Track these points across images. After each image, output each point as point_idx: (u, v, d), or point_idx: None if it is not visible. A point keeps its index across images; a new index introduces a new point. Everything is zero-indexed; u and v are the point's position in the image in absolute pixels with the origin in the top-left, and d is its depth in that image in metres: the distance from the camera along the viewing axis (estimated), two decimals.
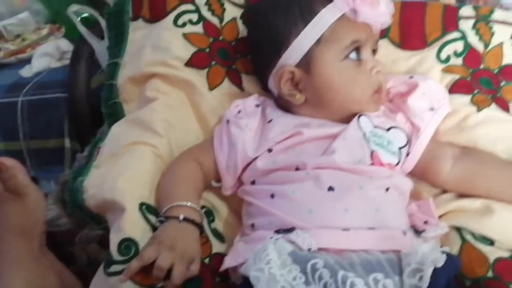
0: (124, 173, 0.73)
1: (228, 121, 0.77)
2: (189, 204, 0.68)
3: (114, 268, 0.66)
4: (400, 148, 0.74)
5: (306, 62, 0.74)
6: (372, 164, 0.70)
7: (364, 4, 0.72)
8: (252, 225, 0.69)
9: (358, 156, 0.70)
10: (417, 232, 0.67)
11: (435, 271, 0.56)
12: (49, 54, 1.38)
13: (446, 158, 0.74)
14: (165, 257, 0.61)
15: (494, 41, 0.83)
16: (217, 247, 0.72)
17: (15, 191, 0.87)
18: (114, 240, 0.67)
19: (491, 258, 0.67)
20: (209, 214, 0.76)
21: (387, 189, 0.67)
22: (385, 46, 0.84)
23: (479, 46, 0.83)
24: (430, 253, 0.58)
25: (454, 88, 0.80)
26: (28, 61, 1.34)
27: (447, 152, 0.75)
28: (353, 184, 0.66)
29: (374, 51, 0.79)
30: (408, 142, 0.75)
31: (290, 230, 0.63)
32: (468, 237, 0.69)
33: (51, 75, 1.28)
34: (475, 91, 0.80)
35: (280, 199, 0.67)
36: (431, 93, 0.76)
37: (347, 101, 0.74)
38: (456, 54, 0.82)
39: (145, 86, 0.85)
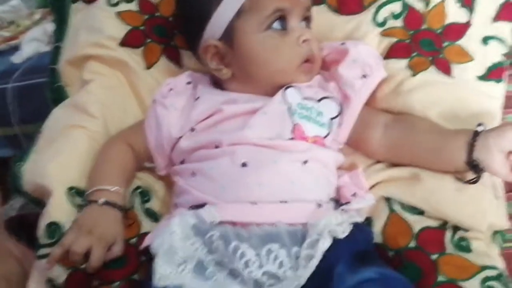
0: (55, 158, 0.74)
1: (154, 101, 0.76)
2: (110, 187, 0.69)
3: (42, 251, 0.68)
4: (331, 119, 0.72)
5: (229, 35, 0.72)
6: (293, 138, 0.68)
7: None
8: (176, 204, 0.69)
9: (277, 130, 0.68)
10: (340, 204, 0.66)
11: (338, 242, 0.55)
12: (37, 39, 1.38)
13: (377, 126, 0.72)
14: (80, 242, 0.62)
15: None
16: (148, 227, 0.72)
17: None
18: (41, 224, 0.69)
19: (416, 228, 0.65)
20: (144, 194, 0.76)
21: (305, 162, 0.66)
22: (322, 12, 0.81)
23: (418, 5, 0.78)
24: (332, 224, 0.57)
25: (390, 52, 0.77)
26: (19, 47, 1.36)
27: (379, 120, 0.72)
28: (267, 159, 0.65)
29: (307, 19, 0.76)
30: (340, 112, 0.73)
31: (201, 206, 0.63)
32: (396, 207, 0.67)
33: (40, 59, 1.28)
34: (413, 54, 0.76)
35: (199, 177, 0.67)
36: (363, 59, 0.73)
37: (273, 74, 0.72)
38: (394, 16, 0.78)
39: (83, 68, 0.85)
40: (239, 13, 0.71)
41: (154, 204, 0.76)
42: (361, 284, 0.54)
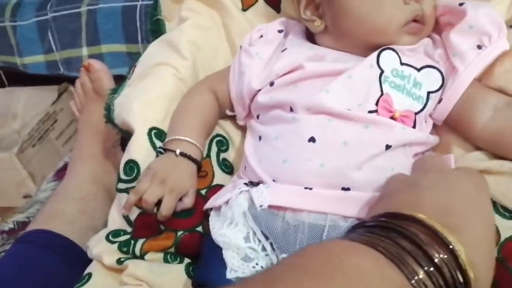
0: (142, 95, 0.74)
1: (241, 48, 0.72)
2: (188, 139, 0.68)
3: (120, 185, 0.71)
4: (429, 93, 0.63)
5: None
6: (376, 111, 0.61)
7: None
8: (244, 167, 0.67)
9: (359, 99, 0.61)
10: None
11: None
12: None
13: (485, 108, 0.61)
14: (153, 191, 0.64)
15: None
16: (220, 179, 0.71)
17: (99, 92, 0.98)
18: (122, 160, 0.72)
19: (504, 235, 0.56)
20: (222, 143, 0.75)
21: (388, 147, 0.59)
22: None
23: None
24: None
25: None
26: None
27: (489, 100, 0.62)
28: (338, 138, 0.59)
29: None
30: (443, 86, 0.63)
31: (257, 183, 0.61)
32: None
33: None
34: None
35: (263, 144, 0.64)
36: (481, 26, 0.61)
37: (370, 32, 0.64)
38: None
39: (182, 4, 0.83)
40: None
41: (230, 154, 0.75)
42: None
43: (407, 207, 0.43)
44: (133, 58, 1.28)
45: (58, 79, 1.44)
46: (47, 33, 1.35)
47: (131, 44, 1.33)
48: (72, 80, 1.20)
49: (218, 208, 0.63)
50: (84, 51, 1.37)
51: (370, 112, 0.60)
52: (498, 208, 0.58)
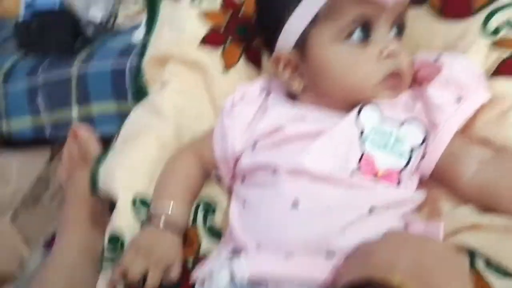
0: (124, 162, 0.74)
1: (222, 110, 0.72)
2: (171, 208, 0.67)
3: (106, 259, 0.69)
4: (412, 148, 0.62)
5: (302, 45, 0.65)
6: (359, 168, 0.59)
7: None
8: (230, 233, 0.65)
9: (341, 159, 0.60)
10: None
11: None
12: None
13: (469, 162, 0.60)
14: (137, 266, 0.62)
15: None
16: (207, 246, 0.69)
17: (86, 159, 0.96)
18: (106, 233, 0.70)
19: None
20: (209, 208, 0.73)
21: (370, 210, 0.57)
22: (421, 16, 0.69)
23: None
24: None
25: (501, 69, 0.63)
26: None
27: (473, 153, 0.60)
28: (321, 203, 0.58)
29: (401, 27, 0.65)
30: (425, 141, 0.62)
31: (239, 251, 0.59)
32: (479, 263, 0.56)
33: None
34: None
35: (248, 208, 0.63)
36: (459, 79, 0.61)
37: (348, 90, 0.64)
38: (510, 24, 0.64)
39: (165, 68, 0.83)
40: (315, 21, 0.63)
41: (218, 218, 0.73)
42: None
43: (380, 269, 0.42)
44: (124, 118, 1.29)
45: (50, 140, 1.44)
46: (36, 97, 1.37)
47: (121, 102, 1.33)
48: (64, 142, 1.19)
49: (202, 282, 0.60)
50: (74, 112, 1.37)
51: (352, 171, 0.59)
52: (492, 266, 0.56)
